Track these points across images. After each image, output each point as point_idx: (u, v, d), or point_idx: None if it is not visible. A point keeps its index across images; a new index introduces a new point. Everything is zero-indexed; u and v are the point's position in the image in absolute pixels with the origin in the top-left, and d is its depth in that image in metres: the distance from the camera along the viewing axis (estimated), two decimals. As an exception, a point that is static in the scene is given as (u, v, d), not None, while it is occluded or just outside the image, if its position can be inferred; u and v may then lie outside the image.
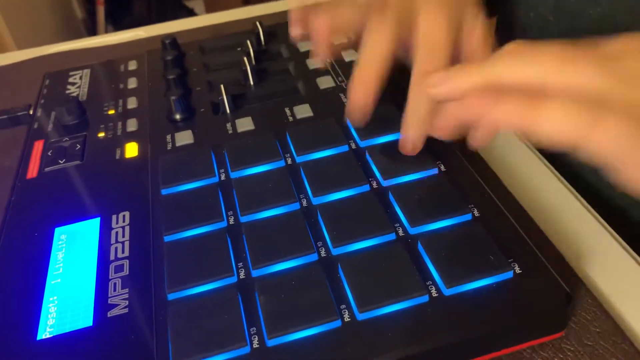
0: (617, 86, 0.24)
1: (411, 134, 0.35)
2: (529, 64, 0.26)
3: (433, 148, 0.37)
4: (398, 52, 0.35)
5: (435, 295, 0.29)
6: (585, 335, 0.29)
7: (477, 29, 0.36)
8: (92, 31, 1.98)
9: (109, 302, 0.31)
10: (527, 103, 0.25)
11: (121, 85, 0.50)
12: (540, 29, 0.50)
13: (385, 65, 0.34)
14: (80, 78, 0.52)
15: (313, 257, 0.31)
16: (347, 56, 0.49)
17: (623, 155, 0.23)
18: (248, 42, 0.50)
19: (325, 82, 0.46)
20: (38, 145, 0.44)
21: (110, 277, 0.32)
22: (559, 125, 0.24)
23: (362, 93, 0.35)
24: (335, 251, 0.31)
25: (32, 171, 0.41)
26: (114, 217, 0.36)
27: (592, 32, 0.45)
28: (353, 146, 0.39)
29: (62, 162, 0.41)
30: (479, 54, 0.36)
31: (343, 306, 0.29)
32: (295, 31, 0.40)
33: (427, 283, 0.29)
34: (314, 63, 0.37)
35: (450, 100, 0.30)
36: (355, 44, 0.38)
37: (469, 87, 0.28)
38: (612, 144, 0.23)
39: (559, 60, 0.25)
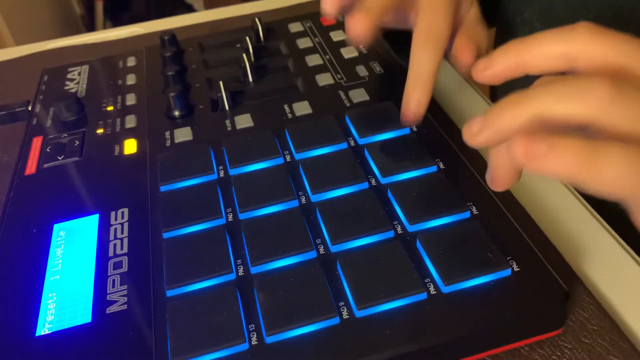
0: None
1: (414, 97, 0.34)
2: (579, 99, 0.23)
3: (432, 146, 0.37)
4: (396, 17, 0.35)
5: (434, 292, 0.29)
6: (582, 333, 0.29)
7: (472, 11, 0.37)
8: (91, 27, 1.98)
9: (108, 298, 0.31)
10: (586, 150, 0.21)
11: (120, 82, 0.50)
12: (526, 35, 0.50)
13: (378, 19, 0.34)
14: (79, 74, 0.52)
15: (312, 255, 0.31)
16: (346, 53, 0.49)
17: None
18: (247, 38, 0.49)
19: (324, 79, 0.46)
20: (37, 142, 0.44)
21: (109, 274, 0.32)
22: (622, 178, 0.21)
23: (419, 94, 0.35)
24: (334, 248, 0.31)
25: (31, 167, 0.41)
26: (112, 213, 0.36)
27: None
28: (352, 143, 0.39)
29: (60, 158, 0.41)
30: (469, 31, 0.36)
31: (341, 303, 0.29)
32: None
33: (426, 280, 0.29)
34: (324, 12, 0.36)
35: (495, 145, 0.26)
36: None
37: (514, 128, 0.24)
38: None
39: (613, 90, 0.22)
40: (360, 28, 0.34)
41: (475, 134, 0.25)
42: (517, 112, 0.24)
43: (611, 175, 0.21)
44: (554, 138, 0.21)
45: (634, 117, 0.22)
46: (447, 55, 0.37)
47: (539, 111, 0.23)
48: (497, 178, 0.27)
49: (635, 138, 0.22)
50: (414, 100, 0.34)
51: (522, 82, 0.27)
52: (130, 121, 0.45)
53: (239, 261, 0.32)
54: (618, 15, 0.43)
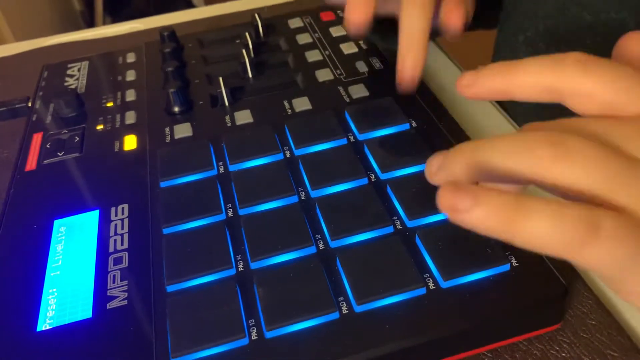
0: (617, 187, 0.20)
1: (410, 58, 0.34)
2: (520, 157, 0.21)
3: (431, 141, 0.37)
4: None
5: (433, 287, 0.29)
6: (581, 328, 0.29)
7: None
8: (90, 23, 1.97)
9: (108, 294, 0.31)
10: (511, 207, 0.20)
11: (119, 78, 0.50)
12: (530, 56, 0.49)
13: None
14: (79, 70, 0.52)
15: (311, 250, 0.31)
16: (346, 49, 0.49)
17: (622, 272, 0.20)
18: (247, 34, 0.49)
19: (324, 75, 0.46)
20: (37, 138, 0.44)
21: (109, 269, 0.32)
22: (545, 238, 0.20)
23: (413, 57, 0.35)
24: (334, 244, 0.32)
25: (31, 163, 0.41)
26: (113, 209, 0.36)
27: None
28: (352, 139, 0.39)
29: (61, 154, 0.41)
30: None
31: (341, 298, 0.29)
32: None
33: (425, 276, 0.29)
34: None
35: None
36: None
37: (460, 174, 0.23)
38: (607, 264, 0.19)
39: (550, 154, 0.21)
40: (358, 17, 0.34)
41: (433, 174, 0.24)
42: (462, 159, 0.23)
43: (533, 235, 0.20)
44: (481, 192, 0.20)
45: (578, 176, 0.20)
46: (435, 34, 0.37)
47: (481, 163, 0.22)
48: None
49: (588, 194, 0.20)
50: (410, 62, 0.34)
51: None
52: (130, 117, 0.45)
53: (239, 256, 0.32)
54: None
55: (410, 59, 0.34)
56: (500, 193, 0.20)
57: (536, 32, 0.47)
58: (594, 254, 0.19)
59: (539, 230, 0.19)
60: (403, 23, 0.34)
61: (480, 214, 0.20)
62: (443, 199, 0.20)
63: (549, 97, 0.23)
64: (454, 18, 0.36)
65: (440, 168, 0.24)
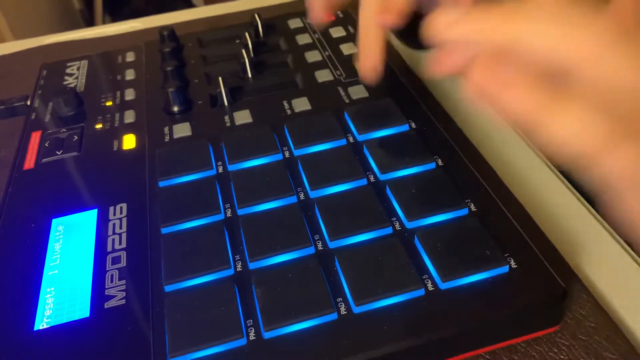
0: None
1: (369, 57, 0.34)
2: (566, 38, 0.20)
3: (430, 142, 0.37)
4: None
5: (431, 289, 0.29)
6: (579, 330, 0.29)
7: None
8: (90, 22, 1.97)
9: (106, 293, 0.31)
10: (545, 97, 0.19)
11: (119, 77, 0.50)
12: None
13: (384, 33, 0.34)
14: (78, 69, 0.52)
15: (310, 250, 0.31)
16: (346, 50, 0.49)
17: (635, 185, 0.19)
18: (246, 34, 0.49)
19: (323, 75, 0.46)
20: (35, 136, 0.44)
21: (107, 269, 0.32)
22: (571, 137, 0.19)
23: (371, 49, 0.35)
24: (332, 244, 0.32)
25: (30, 162, 0.41)
26: (111, 208, 0.36)
27: None
28: (351, 140, 0.39)
29: (59, 153, 0.41)
30: None
31: (339, 299, 0.29)
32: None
33: (423, 277, 0.29)
34: (313, 21, 0.38)
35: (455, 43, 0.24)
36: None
37: (479, 40, 0.22)
38: (627, 172, 0.19)
39: (602, 44, 0.19)
40: (370, 65, 0.35)
41: (447, 26, 0.22)
42: (492, 23, 0.21)
43: (564, 131, 0.19)
44: (518, 76, 0.19)
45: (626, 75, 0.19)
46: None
47: (516, 37, 0.20)
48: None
49: (615, 101, 0.19)
50: (369, 61, 0.34)
51: None
52: (129, 116, 0.44)
53: (237, 257, 0.32)
54: None
55: (367, 47, 0.34)
56: (533, 76, 0.20)
57: None
58: (620, 160, 0.19)
59: (569, 127, 0.19)
60: (360, 12, 0.34)
61: (516, 95, 0.19)
62: (477, 74, 0.20)
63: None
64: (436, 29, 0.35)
65: (461, 22, 0.22)
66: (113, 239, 0.34)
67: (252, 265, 0.31)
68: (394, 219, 0.33)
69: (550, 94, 0.19)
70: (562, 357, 0.28)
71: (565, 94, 0.19)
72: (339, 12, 0.54)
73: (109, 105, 0.46)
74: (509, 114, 0.20)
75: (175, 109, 0.44)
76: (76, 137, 0.43)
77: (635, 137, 0.19)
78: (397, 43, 0.51)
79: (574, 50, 0.19)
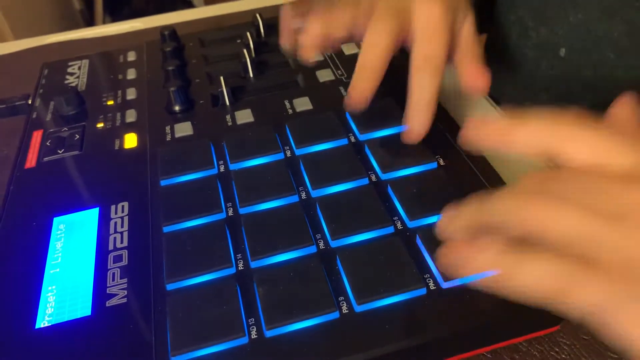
0: (611, 233, 0.21)
1: (417, 121, 0.35)
2: (527, 209, 0.23)
3: (432, 142, 0.37)
4: (398, 45, 0.35)
5: (433, 288, 0.29)
6: (581, 330, 0.29)
7: (466, 25, 0.37)
8: (90, 22, 1.97)
9: (108, 291, 0.31)
10: (511, 254, 0.22)
11: (120, 76, 0.50)
12: (519, 36, 0.50)
13: (387, 58, 0.35)
14: (79, 68, 0.52)
15: (312, 250, 0.31)
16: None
17: (607, 313, 0.21)
18: (248, 34, 0.49)
19: (324, 75, 0.46)
20: (37, 135, 0.44)
21: (109, 267, 0.32)
22: (537, 281, 0.21)
23: (363, 84, 0.35)
24: (334, 243, 0.32)
25: (31, 161, 0.41)
26: (112, 207, 0.36)
27: (570, 40, 0.46)
28: (352, 139, 0.39)
29: (60, 152, 0.41)
30: (468, 49, 0.37)
31: (341, 298, 0.29)
32: (284, 43, 0.42)
33: (425, 276, 0.29)
34: (303, 58, 0.38)
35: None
36: (345, 41, 0.39)
37: (457, 229, 0.26)
38: (595, 305, 0.20)
39: (553, 207, 0.22)
40: (360, 93, 0.35)
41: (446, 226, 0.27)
42: (467, 218, 0.25)
43: (528, 279, 0.22)
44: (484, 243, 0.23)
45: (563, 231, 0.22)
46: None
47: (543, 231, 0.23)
48: None
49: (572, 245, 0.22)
50: (417, 123, 0.35)
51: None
52: (131, 115, 0.44)
53: (239, 255, 0.32)
54: (607, 15, 0.44)
55: (418, 122, 0.35)
56: (499, 238, 0.23)
57: (525, 11, 0.49)
58: (586, 293, 0.21)
59: (533, 271, 0.22)
60: (413, 86, 0.35)
61: (481, 260, 0.23)
62: (452, 252, 0.24)
63: (544, 156, 0.25)
64: (479, 81, 0.36)
65: (453, 220, 0.26)
66: (115, 238, 0.34)
67: (254, 264, 0.31)
68: (395, 218, 0.33)
69: (514, 252, 0.22)
70: (563, 356, 0.28)
71: (527, 247, 0.22)
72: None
73: (110, 105, 0.46)
74: (479, 271, 0.23)
75: (177, 108, 0.44)
76: (77, 136, 0.43)
77: (599, 277, 0.21)
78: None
79: (539, 223, 0.22)
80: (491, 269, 0.23)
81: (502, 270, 0.23)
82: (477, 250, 0.23)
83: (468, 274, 0.24)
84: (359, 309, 0.28)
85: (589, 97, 0.48)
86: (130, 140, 0.42)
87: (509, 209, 0.23)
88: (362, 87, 0.35)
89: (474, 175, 0.35)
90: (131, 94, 0.47)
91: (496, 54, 0.54)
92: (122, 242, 0.33)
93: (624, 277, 0.20)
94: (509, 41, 0.52)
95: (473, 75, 0.36)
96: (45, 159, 0.41)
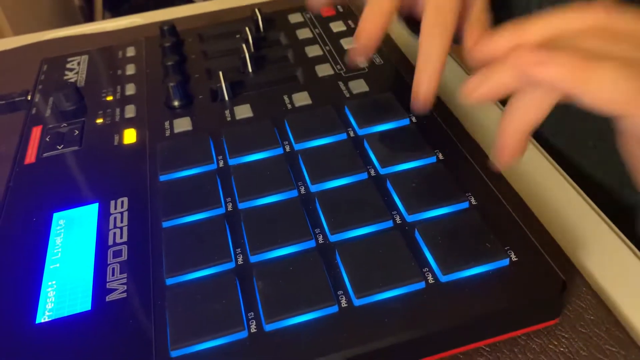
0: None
1: (424, 87, 0.35)
2: (578, 15, 0.25)
3: (431, 136, 0.37)
4: (402, 8, 0.36)
5: (432, 281, 0.29)
6: (579, 323, 0.29)
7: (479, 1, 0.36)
8: (90, 18, 1.97)
9: (107, 286, 0.31)
10: (580, 61, 0.23)
11: (119, 72, 0.50)
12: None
13: (389, 18, 0.35)
14: (78, 64, 0.52)
15: (311, 244, 0.31)
16: (346, 45, 0.49)
17: None
18: (247, 29, 0.49)
19: (323, 70, 0.46)
20: (36, 131, 0.44)
21: (108, 262, 0.32)
22: (609, 92, 0.22)
23: (367, 39, 0.36)
24: (333, 238, 0.32)
25: (30, 157, 0.41)
26: (112, 202, 0.36)
27: None
28: (351, 134, 0.39)
29: (60, 147, 0.41)
30: (477, 20, 0.36)
31: (340, 292, 0.29)
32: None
33: (424, 270, 0.29)
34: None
35: (494, 61, 0.28)
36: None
37: (517, 43, 0.27)
38: None
39: (607, 16, 0.24)
40: (372, 29, 0.35)
41: (477, 50, 0.28)
42: (520, 31, 0.27)
43: (604, 88, 0.22)
44: (554, 50, 0.23)
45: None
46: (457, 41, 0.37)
47: (542, 29, 0.26)
48: (504, 144, 0.29)
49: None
50: (424, 85, 0.34)
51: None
52: (130, 111, 0.44)
53: (239, 250, 0.32)
54: None
55: (425, 83, 0.35)
56: (567, 50, 0.24)
57: None
58: None
59: (609, 84, 0.22)
60: (422, 49, 0.35)
61: (556, 67, 0.23)
62: (522, 54, 0.24)
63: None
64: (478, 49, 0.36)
65: (488, 43, 0.28)
66: (114, 233, 0.34)
67: (253, 259, 0.31)
68: (394, 212, 0.33)
69: (585, 59, 0.23)
70: (562, 349, 0.28)
71: (595, 57, 0.23)
72: (339, 7, 0.54)
73: (109, 100, 0.46)
74: (554, 81, 0.24)
75: (176, 103, 0.44)
76: (77, 132, 0.43)
77: None
78: (397, 39, 0.51)
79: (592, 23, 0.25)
80: (562, 77, 0.23)
81: (573, 79, 0.23)
82: (543, 58, 0.24)
83: (544, 79, 0.24)
84: (358, 302, 0.28)
85: None
86: (130, 136, 0.42)
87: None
88: (366, 36, 0.35)
89: (473, 169, 0.35)
90: (130, 89, 0.47)
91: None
92: (121, 237, 0.33)
93: None
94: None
95: (476, 39, 0.36)
96: (45, 154, 0.41)
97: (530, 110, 0.28)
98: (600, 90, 0.22)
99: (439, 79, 0.34)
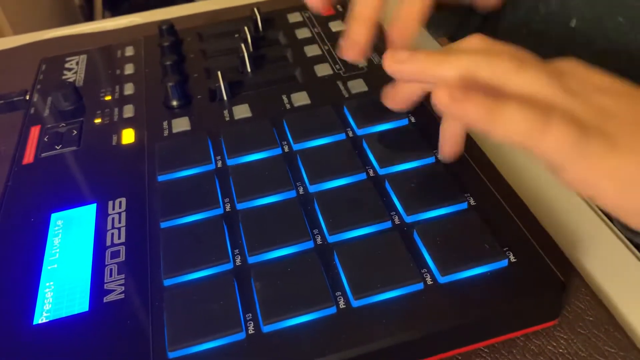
0: (563, 96, 0.26)
1: (356, 33, 0.34)
2: (493, 63, 0.27)
3: (430, 137, 0.37)
4: None
5: (430, 283, 0.29)
6: (578, 324, 0.29)
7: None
8: (89, 17, 1.97)
9: (105, 287, 0.31)
10: (490, 103, 0.25)
11: (118, 71, 0.50)
12: (528, 11, 0.50)
13: (379, 7, 0.35)
14: (77, 63, 0.52)
15: (309, 245, 0.31)
16: (335, 27, 0.49)
17: (566, 158, 0.25)
18: (246, 28, 0.49)
19: (322, 70, 0.46)
20: (34, 131, 0.43)
21: (106, 263, 0.32)
22: (515, 127, 0.25)
23: (360, 30, 0.35)
24: (331, 239, 0.32)
25: (29, 157, 0.41)
26: (110, 203, 0.36)
27: (581, 8, 0.46)
28: (350, 134, 0.39)
29: (58, 147, 0.41)
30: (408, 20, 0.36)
31: (338, 293, 0.29)
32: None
33: (422, 271, 0.29)
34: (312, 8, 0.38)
35: (410, 80, 0.32)
36: None
37: (440, 76, 0.28)
38: (558, 148, 0.25)
39: (517, 63, 0.27)
40: (357, 38, 0.35)
41: (400, 61, 0.30)
42: (446, 61, 0.28)
43: (509, 124, 0.25)
44: (470, 90, 0.26)
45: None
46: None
47: (465, 70, 0.27)
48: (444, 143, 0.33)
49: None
50: (356, 38, 0.34)
51: None
52: (128, 111, 0.44)
53: (237, 251, 0.32)
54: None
55: (354, 34, 0.35)
56: (480, 92, 0.26)
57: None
58: (552, 139, 0.24)
59: (511, 120, 0.25)
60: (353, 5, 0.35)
61: (469, 104, 0.25)
62: (442, 91, 0.26)
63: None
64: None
65: (411, 61, 0.30)
66: (112, 234, 0.34)
67: (251, 260, 0.31)
68: (393, 213, 0.33)
69: (494, 101, 0.25)
70: (560, 350, 0.28)
71: (502, 98, 0.25)
72: (338, 7, 0.54)
73: (108, 100, 0.46)
74: (468, 119, 0.26)
75: (175, 103, 0.44)
76: (75, 132, 0.43)
77: (557, 118, 0.24)
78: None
79: (505, 73, 0.27)
80: (474, 118, 0.25)
81: (483, 120, 0.25)
82: (460, 97, 0.25)
83: (459, 114, 0.26)
84: (356, 304, 0.28)
85: (599, 67, 0.48)
86: (128, 136, 0.42)
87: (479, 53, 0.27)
88: (356, 36, 0.35)
89: (472, 170, 0.35)
90: (129, 89, 0.47)
91: (503, 31, 0.54)
92: (119, 238, 0.33)
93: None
94: (517, 17, 0.52)
95: (397, 39, 0.35)
96: (43, 154, 0.41)
97: (458, 125, 0.32)
98: (504, 127, 0.25)
99: (371, 35, 0.34)
